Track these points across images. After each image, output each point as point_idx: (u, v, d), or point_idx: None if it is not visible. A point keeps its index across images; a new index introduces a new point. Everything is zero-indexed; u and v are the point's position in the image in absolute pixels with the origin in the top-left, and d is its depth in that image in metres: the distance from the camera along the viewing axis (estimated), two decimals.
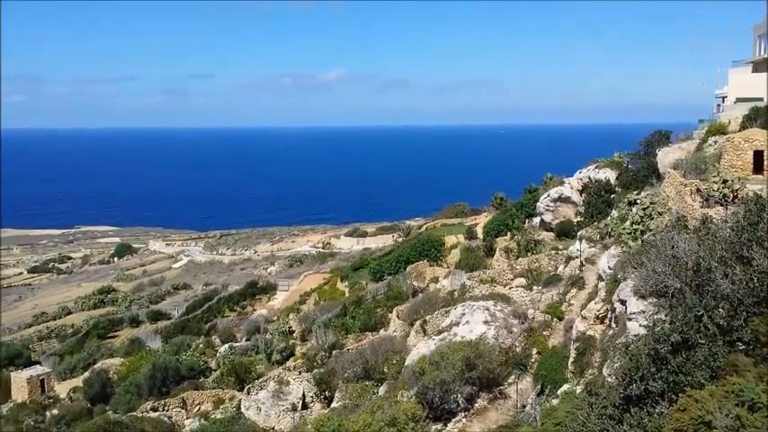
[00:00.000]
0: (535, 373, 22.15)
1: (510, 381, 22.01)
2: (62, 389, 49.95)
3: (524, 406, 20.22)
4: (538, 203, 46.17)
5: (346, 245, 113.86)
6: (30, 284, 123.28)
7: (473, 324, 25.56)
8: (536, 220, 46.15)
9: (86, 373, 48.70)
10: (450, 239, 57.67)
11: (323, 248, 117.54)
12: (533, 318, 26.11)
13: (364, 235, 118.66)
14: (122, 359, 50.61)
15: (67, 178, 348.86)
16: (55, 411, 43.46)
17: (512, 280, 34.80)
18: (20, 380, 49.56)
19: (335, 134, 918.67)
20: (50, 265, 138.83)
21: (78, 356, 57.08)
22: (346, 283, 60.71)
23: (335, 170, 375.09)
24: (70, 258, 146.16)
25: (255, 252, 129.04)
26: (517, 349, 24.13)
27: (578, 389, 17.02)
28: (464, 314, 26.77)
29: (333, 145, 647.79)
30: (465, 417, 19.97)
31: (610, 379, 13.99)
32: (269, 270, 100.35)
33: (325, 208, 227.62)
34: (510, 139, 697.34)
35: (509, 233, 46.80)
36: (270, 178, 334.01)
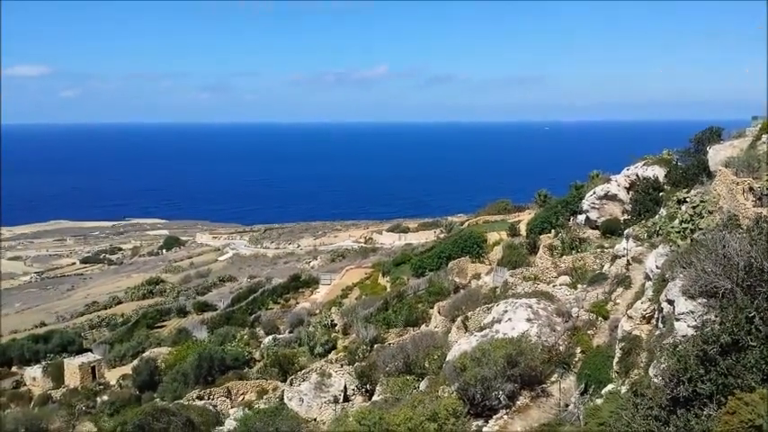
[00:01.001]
0: (579, 372, 21.89)
1: (553, 379, 21.83)
2: (112, 376, 51.46)
3: (567, 405, 20.01)
4: (583, 201, 45.40)
5: (388, 240, 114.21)
6: (82, 274, 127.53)
7: (515, 321, 25.39)
8: (581, 217, 45.42)
9: (135, 361, 49.95)
10: (492, 236, 57.27)
11: (365, 243, 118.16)
12: (577, 316, 25.79)
13: (406, 231, 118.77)
14: (170, 348, 51.69)
15: (116, 172, 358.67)
16: (105, 397, 44.84)
17: (555, 278, 34.39)
18: (72, 366, 51.31)
19: (379, 130, 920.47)
20: (102, 256, 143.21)
21: (128, 345, 58.67)
22: (388, 278, 60.94)
23: (378, 166, 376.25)
24: (120, 249, 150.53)
25: (298, 246, 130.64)
26: (560, 348, 23.89)
27: (623, 389, 16.80)
28: (506, 311, 26.62)
29: (376, 141, 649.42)
30: (507, 414, 19.89)
31: (656, 380, 13.79)
32: (311, 264, 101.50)
33: (367, 203, 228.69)
34: (554, 136, 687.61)
35: (553, 231, 46.20)
36: (312, 174, 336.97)
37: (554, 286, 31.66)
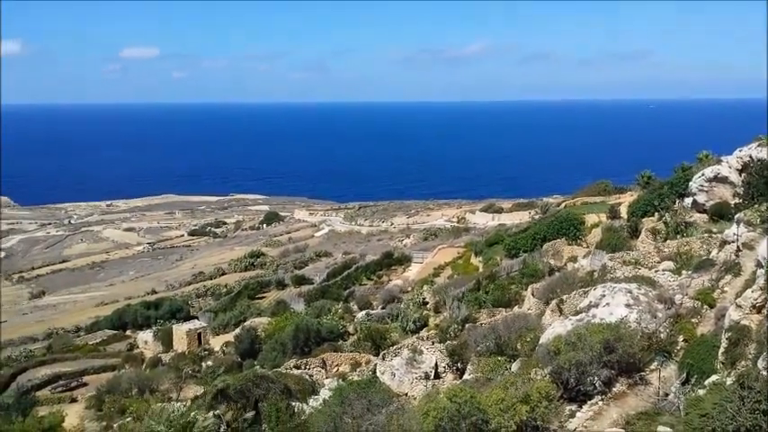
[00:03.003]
0: (680, 361, 21.01)
1: (652, 367, 21.07)
2: (216, 342, 54.29)
3: (667, 394, 19.32)
4: (690, 183, 43.12)
5: (481, 220, 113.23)
6: (189, 246, 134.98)
7: (613, 306, 24.64)
8: (687, 200, 43.19)
9: (237, 330, 52.33)
10: (590, 218, 55.59)
11: (457, 223, 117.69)
12: (681, 303, 24.69)
13: (500, 211, 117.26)
14: (269, 319, 53.80)
15: (221, 149, 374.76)
16: (209, 362, 47.36)
17: (658, 263, 33.02)
18: (180, 332, 54.59)
19: (475, 109, 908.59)
20: (207, 229, 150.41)
21: (230, 314, 61.65)
22: (480, 258, 60.60)
23: (474, 145, 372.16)
24: (225, 223, 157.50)
25: (392, 224, 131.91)
26: (661, 335, 22.98)
27: (729, 380, 16.02)
28: (604, 295, 25.86)
29: (472, 120, 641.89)
30: (602, 400, 19.43)
31: (765, 372, 13.11)
32: (404, 242, 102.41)
33: (461, 183, 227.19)
34: (660, 115, 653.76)
35: (656, 214, 44.21)
36: (408, 153, 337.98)
37: (656, 272, 30.43)
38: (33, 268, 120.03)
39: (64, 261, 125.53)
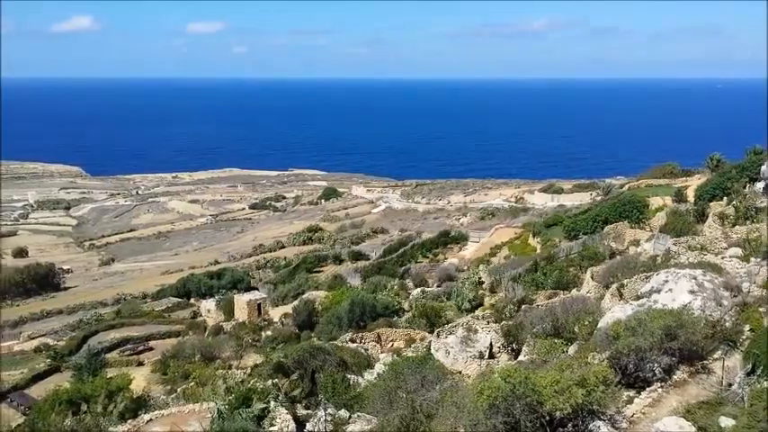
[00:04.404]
0: (746, 351, 20.36)
1: (715, 356, 20.52)
2: (275, 313, 55.71)
3: (730, 384, 18.82)
4: (763, 167, 41.27)
5: (540, 201, 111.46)
6: (250, 219, 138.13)
7: (677, 292, 24.02)
8: (759, 185, 41.36)
9: (295, 302, 53.55)
10: (655, 201, 54.09)
11: (515, 203, 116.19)
12: (748, 292, 23.89)
13: (560, 191, 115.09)
14: (326, 292, 54.82)
15: (280, 125, 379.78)
16: (269, 332, 48.74)
17: (725, 249, 31.88)
18: (241, 302, 56.25)
19: (539, 86, 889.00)
20: (268, 203, 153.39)
21: (289, 286, 63.09)
22: (538, 239, 59.84)
23: (536, 124, 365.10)
24: (284, 198, 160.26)
25: (449, 202, 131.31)
26: (726, 324, 22.31)
27: None
28: (667, 281, 25.23)
29: (535, 98, 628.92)
30: (661, 387, 19.09)
31: None
32: (461, 221, 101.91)
33: (521, 162, 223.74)
34: (729, 94, 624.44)
35: (725, 198, 42.60)
36: (465, 131, 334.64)
37: (723, 258, 29.41)
38: (103, 236, 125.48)
39: (132, 230, 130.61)
